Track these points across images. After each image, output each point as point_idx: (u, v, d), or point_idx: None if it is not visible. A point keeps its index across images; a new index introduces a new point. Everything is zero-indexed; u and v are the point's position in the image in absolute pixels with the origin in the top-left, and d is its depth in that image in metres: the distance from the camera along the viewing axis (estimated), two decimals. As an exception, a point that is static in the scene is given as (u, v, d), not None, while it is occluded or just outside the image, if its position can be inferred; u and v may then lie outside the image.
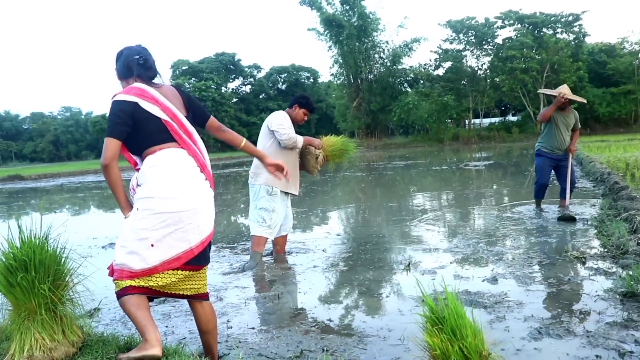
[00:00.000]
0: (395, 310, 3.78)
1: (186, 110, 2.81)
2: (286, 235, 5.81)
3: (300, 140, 5.40)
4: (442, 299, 2.30)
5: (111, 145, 2.60)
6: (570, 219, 6.50)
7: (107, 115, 2.70)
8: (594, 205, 7.58)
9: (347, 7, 44.68)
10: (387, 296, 4.14)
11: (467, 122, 45.48)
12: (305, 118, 5.60)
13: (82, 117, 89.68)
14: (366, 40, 45.50)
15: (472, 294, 3.93)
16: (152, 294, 2.70)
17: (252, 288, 4.63)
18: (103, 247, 7.20)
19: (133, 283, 2.60)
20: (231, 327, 3.68)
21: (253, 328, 3.62)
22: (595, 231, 5.79)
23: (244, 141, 3.09)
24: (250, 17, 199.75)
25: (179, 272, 2.65)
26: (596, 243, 5.30)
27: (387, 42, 46.85)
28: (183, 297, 2.77)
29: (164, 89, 2.78)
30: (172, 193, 2.60)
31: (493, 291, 3.98)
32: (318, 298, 4.24)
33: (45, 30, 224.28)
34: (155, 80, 2.82)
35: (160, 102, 2.68)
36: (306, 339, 3.34)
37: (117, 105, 2.63)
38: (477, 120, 45.81)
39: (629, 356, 2.73)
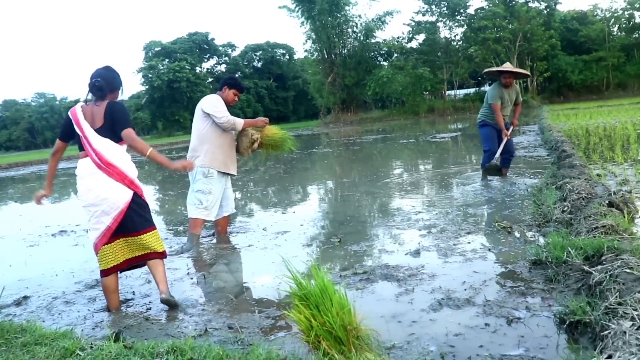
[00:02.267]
0: (313, 286, 3.82)
1: (104, 121, 3.59)
2: (228, 217, 5.83)
3: (239, 122, 5.39)
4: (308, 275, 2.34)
5: (56, 142, 3.79)
6: (495, 169, 6.75)
7: None
8: (541, 174, 7.68)
9: (318, -18, 44.09)
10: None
11: (442, 93, 45.50)
12: (236, 99, 5.57)
13: (57, 102, 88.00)
14: (338, 15, 44.98)
15: (389, 268, 3.98)
16: (123, 267, 3.72)
17: (182, 269, 4.64)
18: (52, 235, 7.15)
19: (101, 266, 3.66)
20: (150, 309, 3.70)
21: (169, 309, 3.64)
22: (533, 200, 5.87)
23: (149, 150, 3.64)
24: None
25: (116, 242, 3.58)
26: (528, 212, 5.37)
27: (359, 16, 46.37)
28: (144, 258, 3.68)
29: (98, 106, 3.63)
30: (80, 193, 3.61)
31: (412, 264, 4.04)
32: (242, 277, 4.28)
33: (15, 15, 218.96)
34: (110, 96, 3.71)
35: (78, 121, 3.59)
36: (216, 317, 3.38)
37: (66, 117, 3.68)
38: (452, 92, 45.81)
39: (516, 322, 2.80)
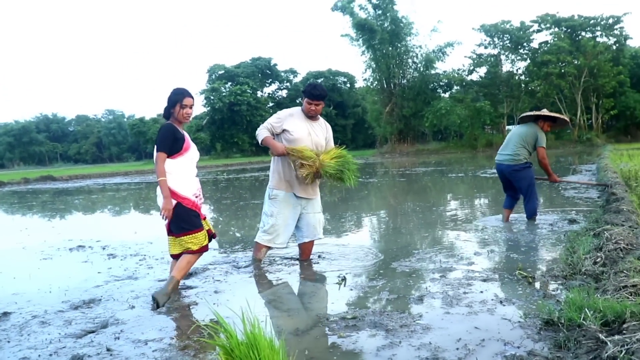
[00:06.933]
0: (293, 329, 3.43)
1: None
2: (311, 242, 5.46)
3: (260, 136, 5.08)
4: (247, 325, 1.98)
5: None
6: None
7: None
8: (586, 218, 7.03)
9: (380, 12, 44.17)
10: (297, 312, 3.79)
11: (502, 128, 44.29)
12: (313, 108, 5.09)
13: (125, 119, 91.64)
14: (399, 45, 44.90)
15: (383, 314, 3.56)
16: (176, 257, 4.43)
17: (192, 296, 4.36)
18: (70, 250, 7.08)
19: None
20: (119, 338, 3.43)
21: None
22: (567, 247, 5.28)
23: (159, 179, 4.20)
24: (286, 22, 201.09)
25: (170, 237, 4.38)
26: (558, 261, 4.81)
27: (420, 46, 46.22)
28: (183, 253, 4.33)
29: None
30: None
31: (409, 312, 3.61)
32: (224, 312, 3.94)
33: (91, 34, 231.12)
34: None
35: None
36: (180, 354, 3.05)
37: None
38: (512, 127, 44.47)
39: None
